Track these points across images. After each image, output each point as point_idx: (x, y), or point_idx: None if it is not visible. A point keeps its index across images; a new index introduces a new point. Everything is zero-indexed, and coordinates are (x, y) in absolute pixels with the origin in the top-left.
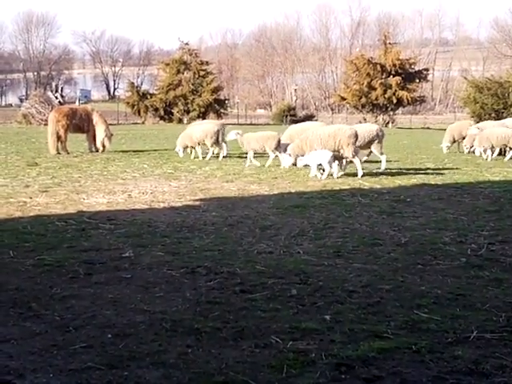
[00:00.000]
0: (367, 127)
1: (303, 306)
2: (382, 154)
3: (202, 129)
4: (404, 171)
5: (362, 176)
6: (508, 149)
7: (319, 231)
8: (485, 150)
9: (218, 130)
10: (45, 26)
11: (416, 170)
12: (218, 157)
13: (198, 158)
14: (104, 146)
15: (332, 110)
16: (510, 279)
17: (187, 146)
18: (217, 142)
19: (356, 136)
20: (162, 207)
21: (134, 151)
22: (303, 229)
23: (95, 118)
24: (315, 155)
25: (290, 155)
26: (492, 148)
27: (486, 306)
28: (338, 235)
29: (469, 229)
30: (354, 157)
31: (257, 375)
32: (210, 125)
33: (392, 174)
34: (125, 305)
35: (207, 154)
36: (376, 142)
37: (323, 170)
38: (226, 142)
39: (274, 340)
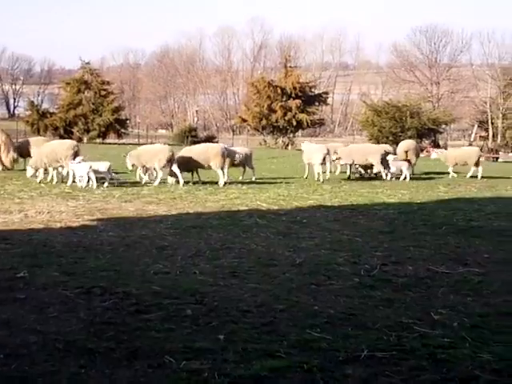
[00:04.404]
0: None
1: (198, 326)
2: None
3: (53, 148)
4: (301, 193)
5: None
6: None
7: (216, 251)
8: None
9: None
10: None
11: (313, 191)
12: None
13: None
14: (13, 163)
15: (233, 131)
16: (401, 299)
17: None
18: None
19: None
20: (59, 227)
21: None
22: (200, 249)
23: (1, 137)
24: (77, 167)
25: None
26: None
27: (377, 326)
28: (235, 256)
29: (363, 250)
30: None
31: None
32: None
33: (289, 196)
34: (18, 325)
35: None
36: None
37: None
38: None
39: (168, 360)
